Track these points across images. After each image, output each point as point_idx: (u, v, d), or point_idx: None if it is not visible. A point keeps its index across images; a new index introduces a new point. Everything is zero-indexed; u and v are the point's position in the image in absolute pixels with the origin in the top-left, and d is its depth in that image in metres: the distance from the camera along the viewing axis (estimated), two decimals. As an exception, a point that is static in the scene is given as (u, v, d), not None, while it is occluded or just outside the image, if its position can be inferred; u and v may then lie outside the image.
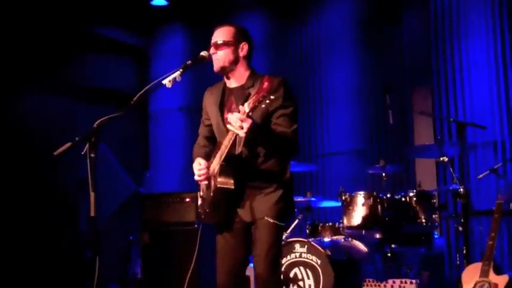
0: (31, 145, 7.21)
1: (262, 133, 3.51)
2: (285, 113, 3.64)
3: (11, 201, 6.97)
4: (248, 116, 3.32)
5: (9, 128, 7.18)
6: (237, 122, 3.31)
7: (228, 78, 3.83)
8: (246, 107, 3.31)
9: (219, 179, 3.56)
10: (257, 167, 3.67)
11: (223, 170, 3.56)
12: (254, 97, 3.29)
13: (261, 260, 3.62)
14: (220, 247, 3.81)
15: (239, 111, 3.35)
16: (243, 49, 3.80)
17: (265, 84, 3.26)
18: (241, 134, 3.34)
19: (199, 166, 3.78)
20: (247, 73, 3.80)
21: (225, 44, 3.75)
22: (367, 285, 5.20)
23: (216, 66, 3.78)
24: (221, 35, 3.79)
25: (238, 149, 3.59)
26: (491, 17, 6.79)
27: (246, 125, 3.30)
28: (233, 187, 3.56)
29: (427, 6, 7.25)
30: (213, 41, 3.79)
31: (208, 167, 3.77)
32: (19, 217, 7.02)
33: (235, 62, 3.78)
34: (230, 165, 3.57)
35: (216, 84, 3.95)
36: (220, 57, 3.75)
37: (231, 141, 3.52)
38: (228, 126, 3.44)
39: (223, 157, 3.57)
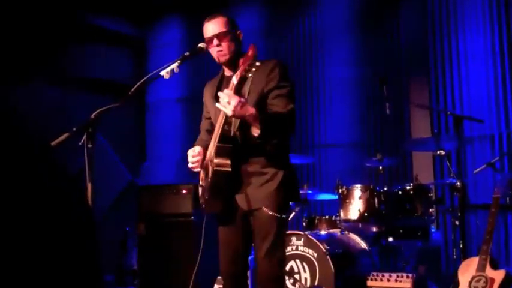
0: (27, 135, 7.17)
1: (257, 114, 3.36)
2: (280, 93, 3.56)
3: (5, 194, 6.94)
4: (235, 93, 3.30)
5: (5, 118, 7.13)
6: (225, 99, 3.28)
7: (230, 67, 3.75)
8: (234, 79, 3.30)
9: (215, 161, 3.45)
10: (254, 151, 3.55)
11: (219, 151, 3.46)
12: (241, 67, 3.26)
13: (262, 256, 3.54)
14: (222, 236, 3.76)
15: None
16: (240, 36, 3.78)
17: (250, 52, 3.24)
18: (229, 112, 3.28)
19: (192, 153, 3.72)
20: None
21: (227, 33, 3.68)
22: (372, 279, 5.16)
23: (222, 58, 3.70)
24: (219, 26, 3.69)
25: (233, 131, 3.52)
26: (489, 9, 6.76)
27: (234, 102, 3.25)
28: (230, 169, 3.45)
29: (425, -2, 7.24)
30: (211, 34, 3.68)
31: (204, 154, 3.70)
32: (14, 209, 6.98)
33: (237, 50, 3.72)
34: (226, 146, 3.47)
35: (214, 77, 3.92)
36: (225, 49, 3.67)
37: (222, 121, 3.46)
38: (217, 104, 3.39)
39: (217, 138, 3.49)
